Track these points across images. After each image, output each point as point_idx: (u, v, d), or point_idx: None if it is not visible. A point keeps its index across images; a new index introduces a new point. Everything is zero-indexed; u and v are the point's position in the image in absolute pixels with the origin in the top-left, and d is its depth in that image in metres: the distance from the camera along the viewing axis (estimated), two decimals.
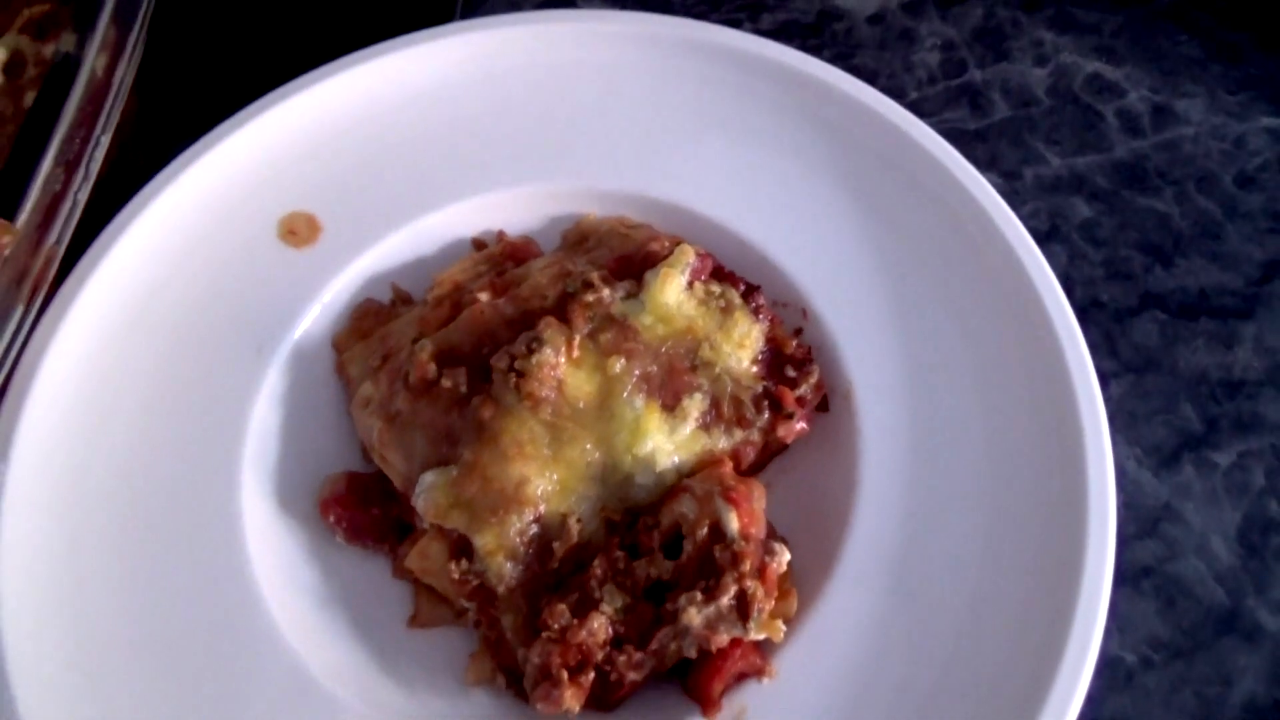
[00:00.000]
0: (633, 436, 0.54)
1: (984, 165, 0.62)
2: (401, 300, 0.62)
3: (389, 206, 0.63)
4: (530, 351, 0.54)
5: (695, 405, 0.55)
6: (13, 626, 0.51)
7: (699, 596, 0.50)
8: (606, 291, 0.57)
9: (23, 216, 0.55)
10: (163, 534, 0.54)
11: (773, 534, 0.54)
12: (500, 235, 0.64)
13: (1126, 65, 0.77)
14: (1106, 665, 0.57)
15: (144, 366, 0.58)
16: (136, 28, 0.63)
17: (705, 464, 0.55)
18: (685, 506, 0.53)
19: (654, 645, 0.50)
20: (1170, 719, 0.57)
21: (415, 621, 0.56)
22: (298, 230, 0.62)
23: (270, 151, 0.63)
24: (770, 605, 0.51)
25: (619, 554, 0.52)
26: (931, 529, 0.54)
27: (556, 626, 0.50)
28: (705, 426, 0.55)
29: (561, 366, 0.54)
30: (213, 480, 0.55)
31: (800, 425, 0.57)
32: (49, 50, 0.62)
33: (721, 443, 0.56)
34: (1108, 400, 0.55)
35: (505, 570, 0.52)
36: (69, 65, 0.60)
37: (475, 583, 0.52)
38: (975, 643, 0.51)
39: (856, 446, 0.57)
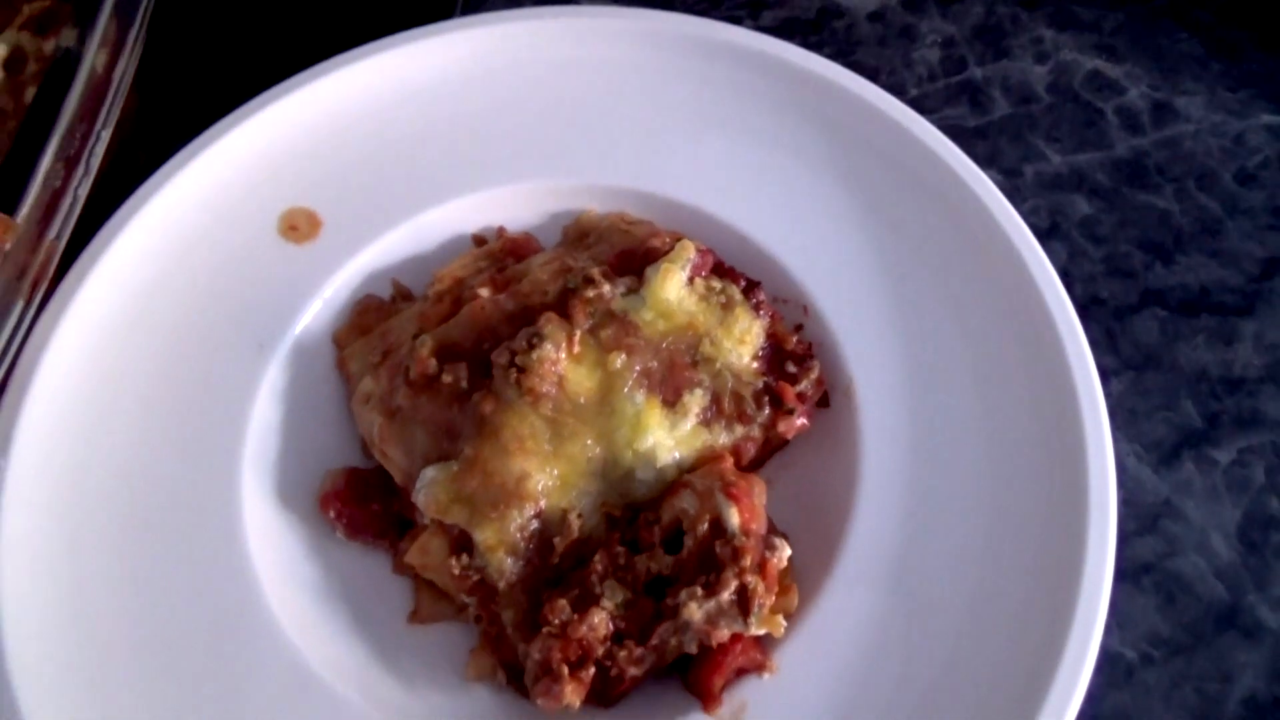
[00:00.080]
0: (633, 432, 0.54)
1: (984, 162, 0.62)
2: (402, 296, 0.62)
3: (389, 202, 0.63)
4: (531, 347, 0.54)
5: (696, 401, 0.55)
6: (12, 623, 0.50)
7: (700, 591, 0.50)
8: (607, 287, 0.57)
9: (23, 212, 0.56)
10: (163, 530, 0.54)
11: (773, 529, 0.54)
12: (501, 231, 0.64)
13: (1127, 63, 0.77)
14: (1107, 661, 0.57)
15: (144, 362, 0.58)
16: (137, 24, 0.63)
17: (706, 460, 0.55)
18: (686, 502, 0.53)
19: (654, 640, 0.50)
20: (1170, 715, 0.57)
21: (415, 617, 0.56)
22: (298, 226, 0.62)
23: (271, 147, 0.63)
24: (771, 600, 0.51)
25: (620, 549, 0.52)
26: (932, 524, 0.54)
27: (557, 622, 0.50)
28: (706, 422, 0.55)
29: (562, 362, 0.54)
30: (213, 476, 0.55)
31: (801, 421, 0.57)
32: (49, 46, 0.62)
33: (722, 438, 0.56)
34: (1108, 397, 0.55)
35: (506, 565, 0.52)
36: (69, 61, 0.60)
37: (476, 578, 0.52)
38: (975, 639, 0.51)
39: (857, 442, 0.57)
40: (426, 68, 0.65)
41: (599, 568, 0.52)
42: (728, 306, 0.57)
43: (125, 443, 0.56)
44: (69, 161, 0.58)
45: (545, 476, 0.53)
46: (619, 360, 0.55)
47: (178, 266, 0.60)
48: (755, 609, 0.50)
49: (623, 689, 0.51)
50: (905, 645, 0.52)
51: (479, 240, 0.64)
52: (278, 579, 0.54)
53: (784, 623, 0.51)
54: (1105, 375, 0.57)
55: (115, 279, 0.58)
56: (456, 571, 0.52)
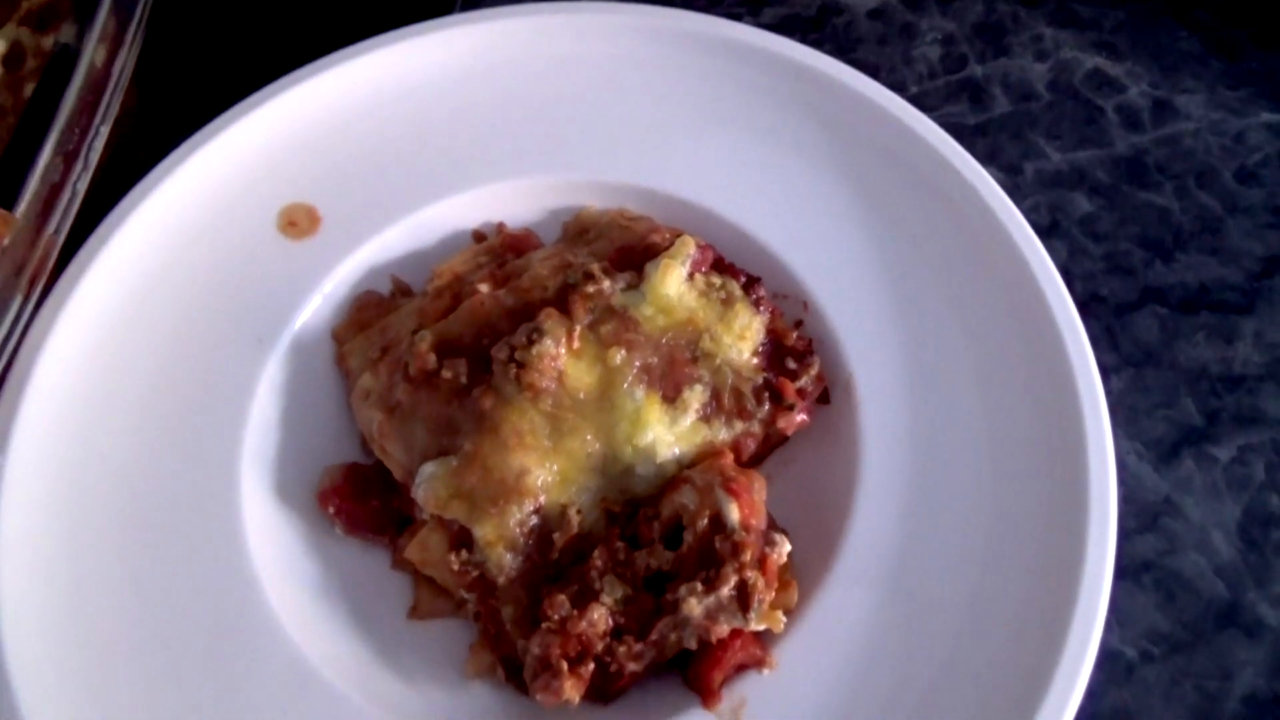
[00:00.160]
0: (633, 428, 0.54)
1: (984, 160, 0.62)
2: (401, 292, 0.62)
3: (389, 198, 0.63)
4: (531, 342, 0.54)
5: (696, 397, 0.55)
6: (11, 618, 0.50)
7: (699, 587, 0.50)
8: (607, 283, 0.57)
9: (22, 207, 0.55)
10: (162, 525, 0.54)
11: (773, 525, 0.54)
12: (500, 227, 0.64)
13: (1127, 61, 0.77)
14: (1106, 659, 0.57)
15: (143, 358, 0.58)
16: (136, 19, 0.63)
17: (706, 455, 0.55)
18: (686, 497, 0.53)
19: (654, 636, 0.50)
20: (1170, 713, 0.57)
21: (415, 613, 0.55)
22: (298, 222, 0.62)
23: (270, 143, 0.63)
24: (770, 596, 0.50)
25: (619, 545, 0.52)
26: (932, 520, 0.54)
27: (556, 617, 0.50)
28: (706, 418, 0.55)
29: (562, 357, 0.54)
30: (212, 472, 0.55)
31: (801, 417, 0.57)
32: (48, 42, 0.62)
33: (722, 434, 0.55)
34: (1108, 394, 0.55)
35: (505, 561, 0.52)
36: (68, 56, 0.60)
37: (475, 574, 0.52)
38: (976, 636, 0.51)
39: (857, 439, 0.57)
40: (427, 63, 0.65)
41: (598, 563, 0.52)
42: (728, 302, 0.57)
43: (124, 438, 0.56)
44: (68, 156, 0.58)
45: (545, 472, 0.53)
46: (619, 356, 0.55)
47: (177, 262, 0.60)
48: (755, 604, 0.50)
49: (622, 685, 0.51)
50: (905, 640, 0.51)
51: (479, 236, 0.64)
52: (276, 574, 0.54)
53: (784, 618, 0.51)
54: (1105, 373, 0.57)
55: (114, 274, 0.58)
56: (456, 567, 0.52)
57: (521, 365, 0.53)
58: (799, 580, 0.54)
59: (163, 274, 0.59)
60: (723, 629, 0.50)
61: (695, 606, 0.50)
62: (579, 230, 0.63)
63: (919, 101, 0.68)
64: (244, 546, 0.54)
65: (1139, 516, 0.61)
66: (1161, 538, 0.61)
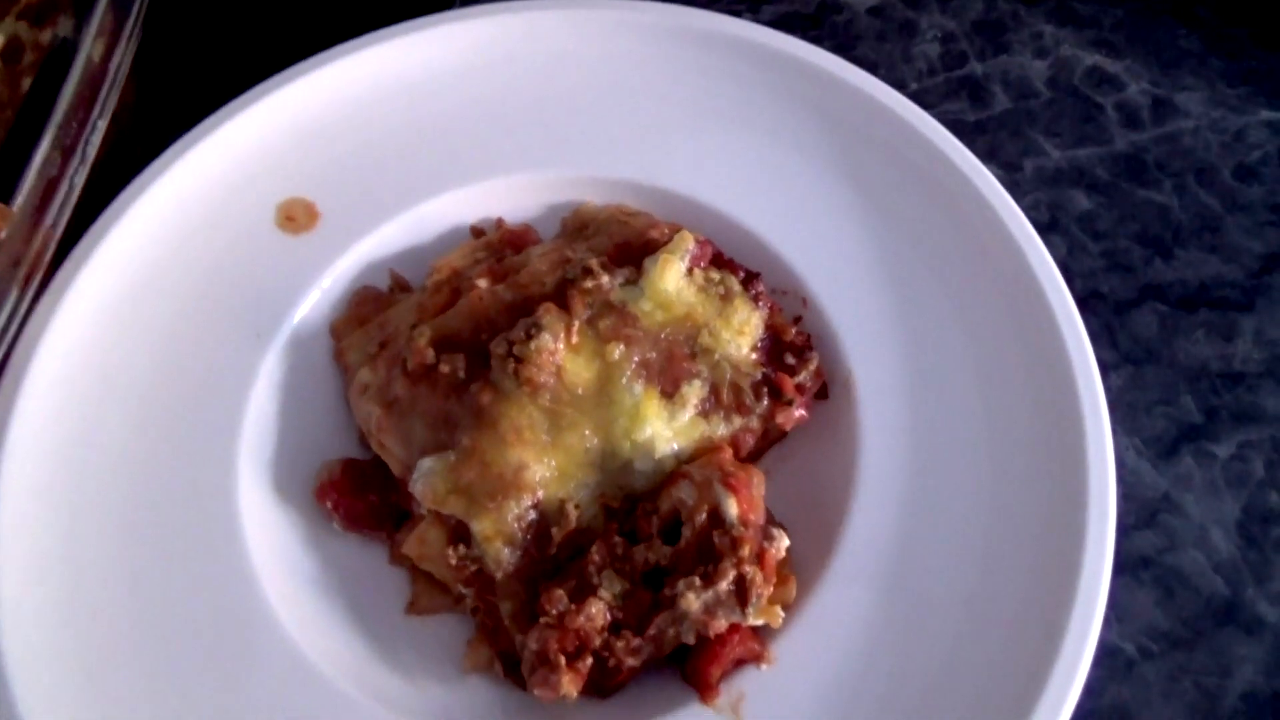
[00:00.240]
0: (631, 423, 0.53)
1: (984, 157, 0.62)
2: (400, 287, 0.62)
3: (387, 193, 0.63)
4: (529, 337, 0.54)
5: (694, 392, 0.55)
6: (8, 613, 0.50)
7: (697, 582, 0.50)
8: (606, 278, 0.57)
9: (19, 200, 0.55)
10: (159, 520, 0.54)
11: (772, 520, 0.54)
12: (499, 223, 0.64)
13: (1126, 58, 0.77)
14: (1105, 655, 0.57)
15: (141, 353, 0.57)
16: (134, 14, 0.63)
17: (704, 451, 0.55)
18: (684, 492, 0.52)
19: (652, 631, 0.50)
20: (1169, 709, 0.56)
21: (413, 608, 0.55)
22: (296, 217, 0.62)
23: (268, 138, 0.63)
24: (769, 591, 0.50)
25: (617, 540, 0.52)
26: (931, 517, 0.54)
27: (554, 612, 0.50)
28: (704, 413, 0.55)
29: (560, 352, 0.54)
30: (210, 467, 0.55)
31: (799, 413, 0.57)
32: (46, 36, 0.62)
33: (720, 429, 0.55)
34: (1107, 391, 0.55)
35: (503, 556, 0.52)
36: (66, 51, 0.60)
37: (473, 569, 0.52)
38: (975, 630, 0.51)
39: (856, 434, 0.56)
40: (425, 59, 0.65)
41: (596, 558, 0.52)
42: (726, 298, 0.57)
43: (121, 433, 0.55)
44: (65, 150, 0.58)
45: (543, 467, 0.53)
46: (617, 351, 0.55)
47: (175, 256, 0.60)
48: (753, 599, 0.50)
49: (620, 679, 0.51)
50: (904, 636, 0.51)
51: (477, 231, 0.64)
52: (274, 569, 0.54)
53: (782, 613, 0.51)
54: (1104, 370, 0.57)
55: (111, 268, 0.58)
56: (454, 562, 0.52)
57: (520, 360, 0.53)
58: (797, 575, 0.53)
59: (160, 268, 0.59)
60: (721, 624, 0.50)
61: (693, 601, 0.49)
62: (578, 226, 0.63)
63: (919, 99, 0.68)
64: (242, 541, 0.53)
65: (1138, 513, 0.61)
66: (1161, 534, 0.61)
